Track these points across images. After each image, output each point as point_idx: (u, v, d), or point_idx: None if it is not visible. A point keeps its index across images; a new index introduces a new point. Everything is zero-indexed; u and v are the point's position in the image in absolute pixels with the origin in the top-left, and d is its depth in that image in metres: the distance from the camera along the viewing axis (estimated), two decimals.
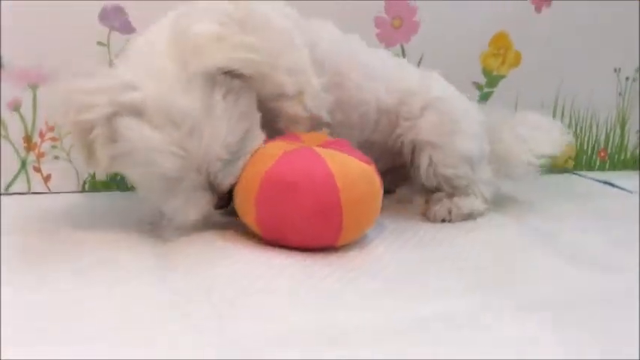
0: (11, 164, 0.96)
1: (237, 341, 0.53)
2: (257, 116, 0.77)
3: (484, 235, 0.88)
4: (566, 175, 1.32)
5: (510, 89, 1.23)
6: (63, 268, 0.67)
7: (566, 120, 1.30)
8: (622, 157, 1.38)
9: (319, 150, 0.76)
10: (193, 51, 0.69)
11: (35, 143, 0.96)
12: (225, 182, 0.74)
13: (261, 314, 0.59)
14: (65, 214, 0.88)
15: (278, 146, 0.77)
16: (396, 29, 1.12)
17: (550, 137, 0.99)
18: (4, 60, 0.92)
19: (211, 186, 0.74)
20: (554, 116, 1.28)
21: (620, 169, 1.37)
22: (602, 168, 1.36)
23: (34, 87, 0.94)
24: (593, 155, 1.35)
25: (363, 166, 0.77)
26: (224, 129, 0.71)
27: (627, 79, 1.33)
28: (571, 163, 1.34)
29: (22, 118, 0.95)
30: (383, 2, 1.10)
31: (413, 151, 0.89)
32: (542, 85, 1.26)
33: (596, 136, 1.34)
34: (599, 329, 0.60)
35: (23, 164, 0.96)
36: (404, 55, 1.14)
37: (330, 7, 1.05)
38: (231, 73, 0.71)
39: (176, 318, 0.57)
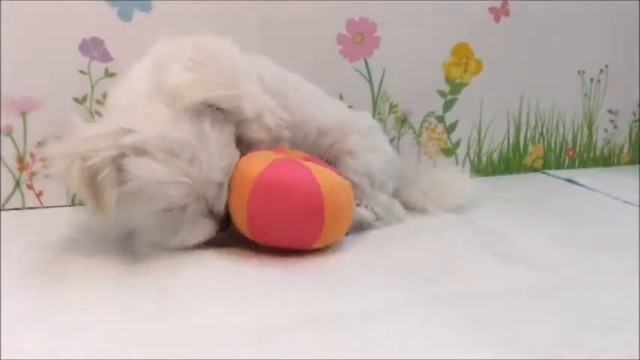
0: (6, 184, 1.07)
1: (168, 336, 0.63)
2: (234, 141, 0.85)
3: (431, 234, 0.96)
4: (534, 174, 1.38)
5: (474, 95, 1.30)
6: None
7: (532, 122, 1.36)
8: (591, 155, 1.43)
9: (302, 161, 0.86)
10: (175, 95, 0.78)
11: (27, 164, 1.06)
12: (221, 206, 0.83)
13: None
14: (55, 226, 0.98)
15: (268, 154, 0.86)
16: (357, 44, 1.20)
17: (452, 190, 1.08)
18: None
19: (210, 213, 0.82)
20: (519, 118, 1.35)
21: (589, 167, 1.43)
22: (571, 166, 1.42)
23: (24, 114, 1.05)
24: (562, 154, 1.41)
25: (341, 179, 0.87)
26: (217, 154, 0.79)
27: (592, 80, 1.39)
28: (540, 163, 1.40)
29: (14, 142, 1.05)
30: (344, 21, 1.18)
31: (338, 160, 0.98)
32: (506, 90, 1.32)
33: (564, 135, 1.40)
34: (499, 324, 0.66)
35: (17, 183, 1.07)
36: (367, 68, 1.22)
37: (294, 27, 1.15)
38: (211, 108, 0.80)
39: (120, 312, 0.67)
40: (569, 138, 1.41)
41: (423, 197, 1.06)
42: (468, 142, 1.33)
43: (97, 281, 0.76)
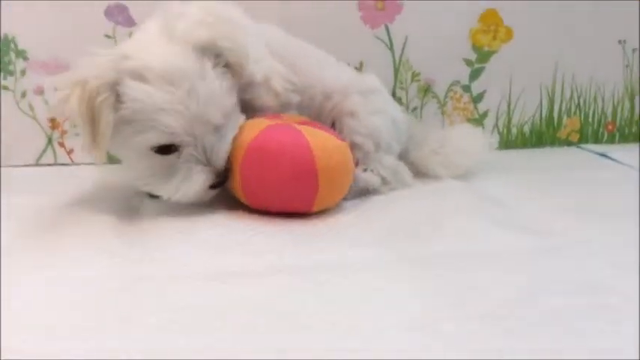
0: (39, 141, 1.15)
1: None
2: (237, 100, 0.85)
3: (433, 198, 0.95)
4: (567, 148, 1.33)
5: (503, 65, 1.26)
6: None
7: (567, 93, 1.31)
8: (633, 130, 1.36)
9: (298, 126, 0.86)
10: (183, 33, 0.79)
11: (58, 122, 1.14)
12: (219, 157, 0.82)
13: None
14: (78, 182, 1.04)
15: (261, 121, 0.88)
16: (379, 11, 1.19)
17: (463, 149, 1.05)
18: (30, 54, 1.11)
19: (208, 161, 0.81)
20: (553, 90, 1.30)
21: (630, 142, 1.36)
22: (611, 141, 1.36)
23: (53, 76, 1.11)
24: (600, 128, 1.35)
25: (337, 141, 0.87)
26: (217, 93, 0.80)
27: (634, 50, 1.31)
28: (575, 137, 1.34)
29: (46, 101, 1.13)
30: None
31: (338, 121, 0.97)
32: (539, 59, 1.28)
33: (602, 109, 1.34)
34: (465, 282, 0.65)
35: (49, 140, 1.15)
36: (389, 35, 1.21)
37: None
38: (216, 55, 0.80)
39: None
40: (609, 111, 1.34)
41: (432, 157, 1.04)
42: (497, 114, 1.30)
43: (92, 230, 0.80)
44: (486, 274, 0.67)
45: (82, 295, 0.62)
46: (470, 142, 1.07)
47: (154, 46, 0.79)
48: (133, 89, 0.75)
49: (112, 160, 0.86)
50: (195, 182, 0.81)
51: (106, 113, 0.75)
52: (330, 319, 0.57)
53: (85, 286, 0.64)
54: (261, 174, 0.83)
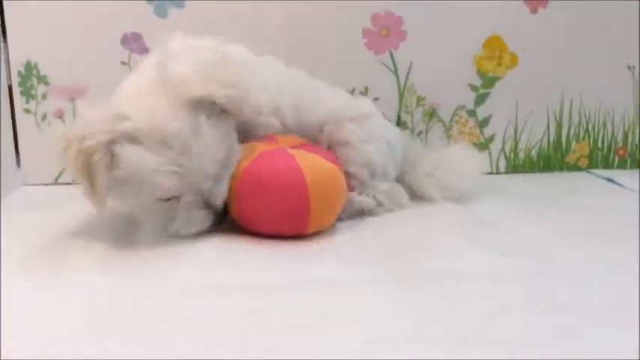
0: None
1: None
2: (235, 136, 0.88)
3: (426, 220, 0.97)
4: (574, 173, 1.32)
5: (509, 90, 1.28)
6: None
7: (575, 117, 1.31)
8: None
9: (291, 151, 0.89)
10: (177, 86, 0.80)
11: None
12: (217, 200, 0.85)
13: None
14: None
15: (256, 146, 0.91)
16: (383, 38, 1.23)
17: (456, 171, 1.07)
18: (51, 79, 1.18)
19: (207, 204, 0.84)
20: (560, 114, 1.30)
21: None
22: (622, 166, 1.35)
23: (72, 100, 1.19)
24: (610, 154, 1.34)
25: (328, 165, 0.90)
26: (211, 146, 0.81)
27: None
28: (585, 162, 1.34)
29: (65, 124, 1.19)
30: (369, 15, 1.22)
31: (333, 150, 0.99)
32: (545, 85, 1.28)
33: (613, 134, 1.33)
34: (444, 300, 0.67)
35: None
36: (393, 61, 1.24)
37: (319, 20, 1.20)
38: (210, 103, 0.81)
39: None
40: (619, 137, 1.33)
41: (426, 180, 1.06)
42: (503, 138, 1.31)
43: (95, 245, 0.85)
44: (463, 295, 0.69)
45: (81, 301, 0.67)
46: (464, 164, 1.08)
47: (146, 102, 0.80)
48: (127, 152, 0.77)
49: None
50: (197, 224, 0.85)
51: (101, 172, 0.77)
52: (314, 331, 0.60)
53: (84, 294, 0.69)
54: (255, 199, 0.86)
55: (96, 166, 0.77)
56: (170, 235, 0.85)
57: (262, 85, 0.93)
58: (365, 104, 1.06)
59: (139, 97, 0.81)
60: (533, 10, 1.25)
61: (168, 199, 0.82)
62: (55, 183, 1.21)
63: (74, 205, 1.02)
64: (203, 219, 0.85)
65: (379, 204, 0.99)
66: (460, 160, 1.09)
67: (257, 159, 0.87)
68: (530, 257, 0.81)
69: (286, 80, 1.00)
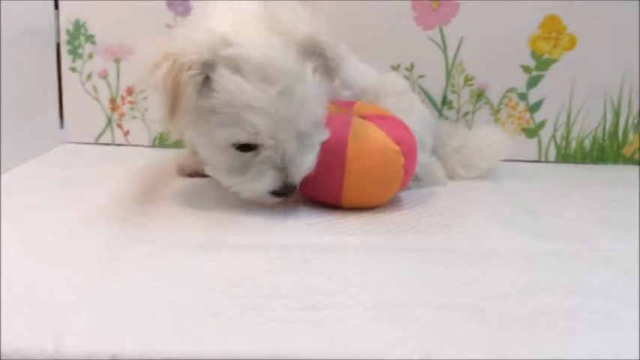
0: (100, 121, 1.23)
1: None
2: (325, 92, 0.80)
3: (456, 198, 0.94)
4: (628, 166, 1.24)
5: (565, 73, 1.21)
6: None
7: (635, 107, 1.23)
8: None
9: (356, 120, 0.86)
10: (286, 24, 0.75)
11: (118, 105, 1.22)
12: (297, 171, 0.77)
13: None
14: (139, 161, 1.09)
15: (328, 109, 0.85)
16: (434, 11, 1.18)
17: (481, 152, 1.05)
18: (97, 39, 1.19)
19: (282, 168, 0.76)
20: (619, 102, 1.23)
21: None
22: None
23: (117, 60, 1.20)
24: None
25: (384, 143, 0.84)
26: (312, 99, 0.75)
27: None
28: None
29: (109, 84, 1.21)
30: None
31: None
32: (604, 69, 1.21)
33: None
34: (459, 276, 0.63)
35: (109, 121, 1.23)
36: (442, 36, 1.19)
37: None
38: (317, 56, 0.76)
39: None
40: None
41: (453, 156, 1.04)
42: (555, 125, 1.24)
43: (120, 199, 0.86)
44: (481, 271, 0.65)
45: (90, 246, 0.67)
46: (490, 143, 1.06)
47: (253, 33, 0.74)
48: (225, 79, 0.72)
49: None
50: (263, 183, 0.77)
51: (188, 93, 0.71)
52: (303, 291, 0.58)
53: (94, 240, 0.69)
54: None
55: (186, 85, 0.71)
56: (229, 187, 0.80)
57: None
58: (400, 79, 1.05)
59: (243, 26, 0.75)
60: None
61: (248, 149, 0.76)
62: (96, 142, 1.23)
63: (113, 165, 1.06)
64: (271, 181, 0.77)
65: (415, 178, 0.95)
66: (486, 139, 1.06)
67: None
68: (563, 240, 0.76)
69: None
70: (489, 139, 1.07)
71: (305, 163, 0.78)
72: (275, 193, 0.78)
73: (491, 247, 0.72)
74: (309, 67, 0.75)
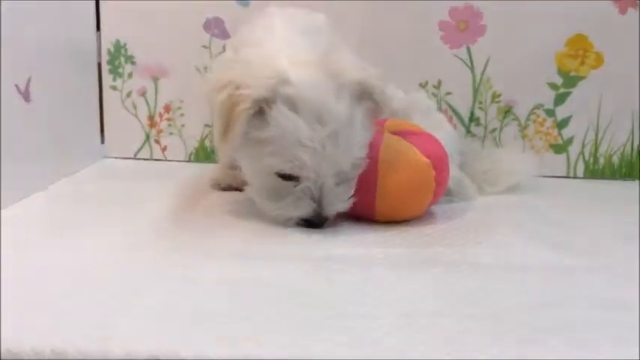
0: (139, 137, 1.28)
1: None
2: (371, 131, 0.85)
3: (485, 212, 0.96)
4: None
5: (592, 90, 1.22)
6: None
7: None
8: None
9: (387, 136, 0.89)
10: (341, 68, 0.79)
11: (156, 122, 1.27)
12: (331, 207, 0.82)
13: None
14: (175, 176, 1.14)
15: None
16: (461, 32, 1.21)
17: (502, 172, 1.08)
18: (137, 59, 1.25)
19: (318, 201, 0.81)
20: None
21: None
22: None
23: (155, 79, 1.25)
24: None
25: (415, 158, 0.86)
26: (358, 140, 0.80)
27: None
28: None
29: (147, 102, 1.26)
30: (448, 7, 1.20)
31: None
32: (631, 87, 1.21)
33: None
34: (482, 288, 0.65)
35: (147, 137, 1.28)
36: (470, 55, 1.22)
37: (396, 10, 1.20)
38: (367, 96, 0.81)
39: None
40: None
41: (482, 176, 1.06)
42: (583, 141, 1.25)
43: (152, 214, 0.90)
44: (506, 284, 0.67)
45: (131, 258, 0.71)
46: (516, 160, 1.10)
47: (311, 73, 0.78)
48: (282, 115, 0.76)
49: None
50: (297, 210, 0.82)
51: (242, 121, 0.77)
52: (334, 300, 0.61)
53: (135, 253, 0.73)
54: None
55: (240, 114, 0.76)
56: (264, 212, 0.84)
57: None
58: (425, 98, 1.09)
59: (299, 66, 0.79)
60: (623, 11, 1.19)
61: (289, 178, 0.80)
62: (135, 158, 1.28)
63: (150, 179, 1.11)
64: (308, 209, 0.82)
65: (449, 191, 0.98)
66: (513, 159, 1.11)
67: None
68: (587, 255, 0.77)
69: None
70: (516, 157, 1.11)
71: (340, 198, 0.83)
72: (307, 222, 0.83)
73: (516, 261, 0.74)
74: (359, 112, 0.80)
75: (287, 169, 0.79)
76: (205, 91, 0.81)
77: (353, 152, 0.80)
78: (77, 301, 0.59)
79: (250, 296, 0.61)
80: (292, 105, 0.77)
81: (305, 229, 0.82)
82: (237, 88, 0.77)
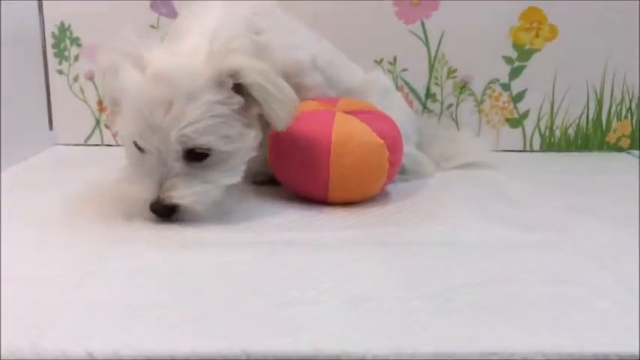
0: (89, 122, 1.24)
1: None
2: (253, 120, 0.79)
3: (439, 189, 0.97)
4: (612, 153, 1.26)
5: (546, 63, 1.22)
6: None
7: (617, 96, 1.24)
8: None
9: (339, 115, 0.87)
10: (219, 52, 0.75)
11: (105, 106, 1.23)
12: (171, 192, 0.75)
13: None
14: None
15: (308, 105, 0.90)
16: (414, 6, 1.19)
17: (459, 153, 1.10)
18: (83, 41, 1.20)
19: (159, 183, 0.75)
20: (601, 91, 1.24)
21: None
22: None
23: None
24: None
25: (369, 138, 0.85)
26: (195, 119, 0.73)
27: None
28: (626, 142, 1.27)
29: (95, 86, 1.22)
30: None
31: None
32: (585, 59, 1.22)
33: None
34: (431, 267, 0.65)
35: (97, 122, 1.24)
36: (424, 30, 1.20)
37: None
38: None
39: None
40: None
41: (436, 156, 1.07)
42: (539, 114, 1.25)
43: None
44: (453, 262, 0.67)
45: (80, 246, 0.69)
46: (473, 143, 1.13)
47: (185, 49, 0.78)
48: (127, 74, 0.75)
49: None
50: (139, 192, 0.77)
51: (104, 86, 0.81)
52: (278, 287, 0.59)
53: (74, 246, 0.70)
54: (282, 157, 0.87)
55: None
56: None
57: (298, 40, 0.95)
58: (383, 78, 1.08)
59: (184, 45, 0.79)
60: None
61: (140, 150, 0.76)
62: (85, 144, 1.25)
63: (102, 165, 1.07)
64: (148, 191, 0.75)
65: (404, 170, 0.98)
66: (468, 142, 1.13)
67: (300, 117, 0.84)
68: (539, 231, 0.77)
69: (317, 41, 1.00)
70: (472, 138, 1.15)
71: (190, 186, 0.75)
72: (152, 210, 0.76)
73: (466, 238, 0.74)
74: (210, 96, 0.74)
75: (131, 136, 0.75)
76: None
77: (183, 128, 0.73)
78: (13, 297, 0.57)
79: (190, 287, 0.59)
80: (140, 66, 0.75)
81: (254, 213, 0.81)
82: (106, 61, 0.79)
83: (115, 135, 1.24)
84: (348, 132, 0.85)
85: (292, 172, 0.87)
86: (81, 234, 0.73)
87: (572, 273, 0.64)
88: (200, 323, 0.52)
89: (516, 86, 1.24)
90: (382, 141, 0.85)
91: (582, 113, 1.26)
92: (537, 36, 1.21)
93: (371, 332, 0.51)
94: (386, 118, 0.92)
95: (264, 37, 0.88)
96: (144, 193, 0.76)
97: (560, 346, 0.50)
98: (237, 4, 0.91)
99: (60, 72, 1.22)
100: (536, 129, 1.26)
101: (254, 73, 0.75)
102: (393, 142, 0.87)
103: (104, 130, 1.24)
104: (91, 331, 0.51)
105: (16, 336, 0.50)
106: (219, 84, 0.75)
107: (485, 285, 0.60)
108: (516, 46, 1.22)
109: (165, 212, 0.76)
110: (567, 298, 0.58)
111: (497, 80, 1.23)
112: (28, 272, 0.62)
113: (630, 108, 1.25)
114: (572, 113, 1.26)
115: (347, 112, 0.89)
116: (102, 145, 1.25)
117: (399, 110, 1.01)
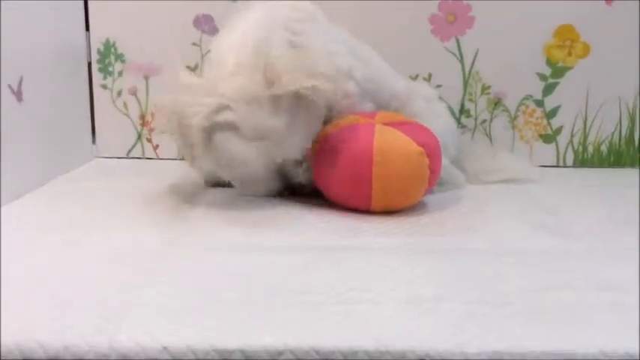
0: (131, 135, 1.28)
1: None
2: (321, 122, 0.90)
3: (480, 200, 0.98)
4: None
5: (579, 80, 1.24)
6: None
7: None
8: None
9: (379, 127, 0.90)
10: (275, 77, 0.82)
11: (147, 120, 1.26)
12: (295, 176, 0.92)
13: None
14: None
15: (349, 119, 0.93)
16: (450, 24, 1.22)
17: (495, 167, 1.12)
18: (127, 57, 1.24)
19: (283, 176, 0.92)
20: (634, 107, 1.25)
21: None
22: None
23: (146, 77, 1.25)
24: None
25: (410, 147, 0.87)
26: (302, 139, 0.86)
27: None
28: None
29: (138, 101, 1.26)
30: (437, 1, 1.21)
31: None
32: (618, 76, 1.24)
33: None
34: (482, 274, 0.67)
35: (139, 136, 1.28)
36: (459, 47, 1.23)
37: (387, 4, 1.21)
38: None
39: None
40: None
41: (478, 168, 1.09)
42: (572, 130, 1.27)
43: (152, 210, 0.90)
44: (503, 269, 0.68)
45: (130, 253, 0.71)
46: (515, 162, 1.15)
47: (246, 87, 0.82)
48: (224, 142, 0.83)
49: None
50: (269, 188, 0.93)
51: (197, 147, 0.84)
52: (337, 288, 0.61)
53: (133, 249, 0.73)
54: (328, 168, 0.89)
55: (194, 142, 0.82)
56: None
57: (336, 48, 0.96)
58: (428, 87, 1.10)
59: (237, 74, 0.84)
60: (609, 0, 1.21)
61: None
62: (127, 157, 1.28)
63: (143, 177, 1.10)
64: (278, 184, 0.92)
65: (439, 181, 0.98)
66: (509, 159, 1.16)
67: (341, 129, 0.89)
68: (582, 239, 0.78)
69: (358, 49, 1.02)
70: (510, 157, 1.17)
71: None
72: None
73: (513, 246, 0.75)
74: (301, 113, 0.83)
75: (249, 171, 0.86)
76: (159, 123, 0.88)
77: (302, 144, 0.86)
78: (81, 296, 0.59)
79: (253, 287, 0.61)
80: (232, 127, 0.81)
81: (302, 220, 0.84)
82: (182, 118, 0.82)
83: (156, 148, 1.27)
84: (388, 142, 0.87)
85: (336, 184, 0.89)
86: (140, 238, 0.76)
87: (618, 280, 0.65)
88: (268, 319, 0.54)
89: (550, 102, 1.25)
90: (422, 149, 0.87)
91: (615, 130, 1.27)
92: (570, 54, 1.23)
93: (434, 331, 0.53)
94: (423, 128, 0.94)
95: (300, 39, 0.91)
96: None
97: (617, 348, 0.51)
98: (279, 5, 0.95)
99: (104, 87, 1.26)
100: (569, 145, 1.27)
101: (306, 85, 0.82)
102: (432, 150, 0.89)
103: (145, 143, 1.28)
104: (164, 327, 0.53)
105: (92, 332, 0.52)
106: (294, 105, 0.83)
107: (540, 291, 0.61)
108: (550, 63, 1.24)
109: None
110: (621, 304, 0.59)
111: (531, 96, 1.25)
112: (97, 274, 0.64)
113: None
114: (604, 130, 1.27)
115: (385, 124, 0.91)
116: (143, 158, 1.28)
117: (442, 119, 1.04)
